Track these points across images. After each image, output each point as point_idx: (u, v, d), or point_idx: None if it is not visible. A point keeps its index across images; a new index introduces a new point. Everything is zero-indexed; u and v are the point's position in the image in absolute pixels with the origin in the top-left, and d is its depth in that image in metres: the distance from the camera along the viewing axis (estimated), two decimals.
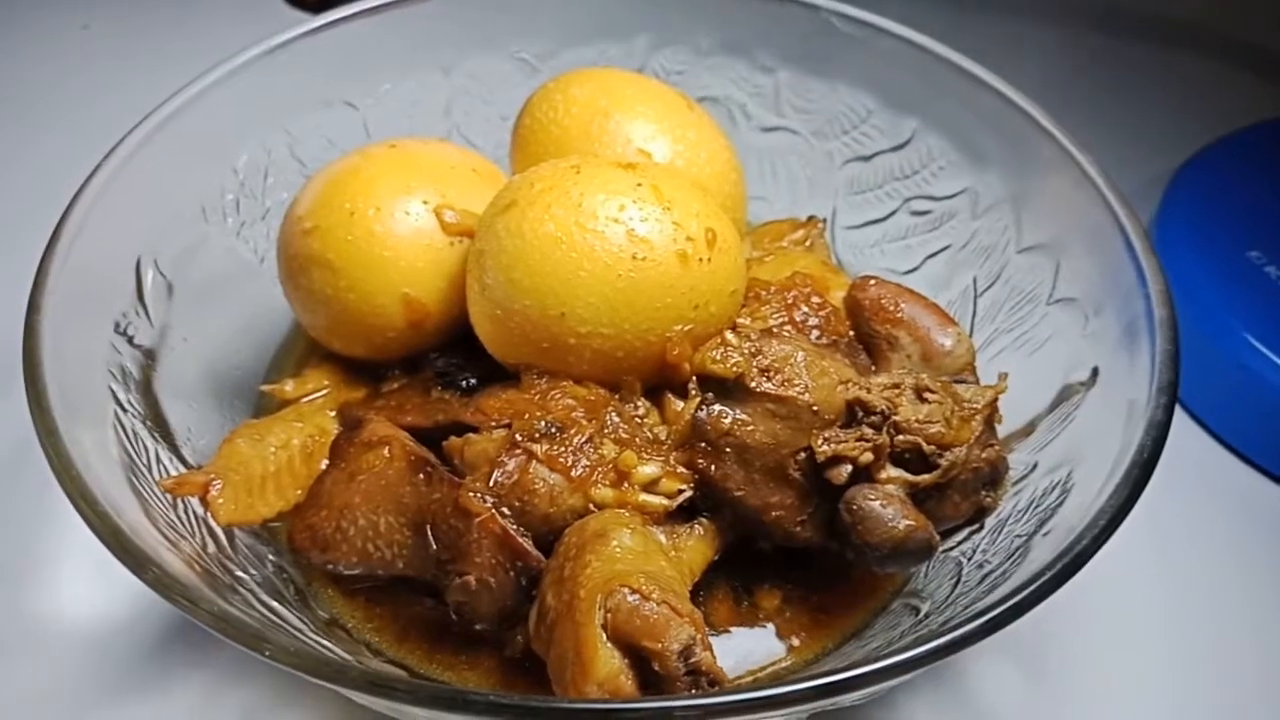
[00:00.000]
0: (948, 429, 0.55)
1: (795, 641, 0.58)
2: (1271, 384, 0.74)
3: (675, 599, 0.46)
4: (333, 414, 0.65)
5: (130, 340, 0.58)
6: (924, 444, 0.55)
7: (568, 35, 0.79)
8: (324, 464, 0.62)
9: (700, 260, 0.58)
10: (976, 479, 0.57)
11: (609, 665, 0.44)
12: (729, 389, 0.56)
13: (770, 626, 0.58)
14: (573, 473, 0.55)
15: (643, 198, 0.58)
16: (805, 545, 0.58)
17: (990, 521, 0.58)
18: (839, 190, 0.78)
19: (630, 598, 0.46)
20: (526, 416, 0.57)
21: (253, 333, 0.69)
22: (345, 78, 0.74)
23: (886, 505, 0.54)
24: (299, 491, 0.61)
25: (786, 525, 0.56)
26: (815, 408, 0.56)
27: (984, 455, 0.57)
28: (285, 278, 0.66)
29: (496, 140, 0.80)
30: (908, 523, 0.54)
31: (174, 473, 0.56)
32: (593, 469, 0.55)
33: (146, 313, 0.60)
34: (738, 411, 0.56)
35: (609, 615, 0.46)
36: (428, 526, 0.55)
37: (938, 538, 0.55)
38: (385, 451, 0.57)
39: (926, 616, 0.53)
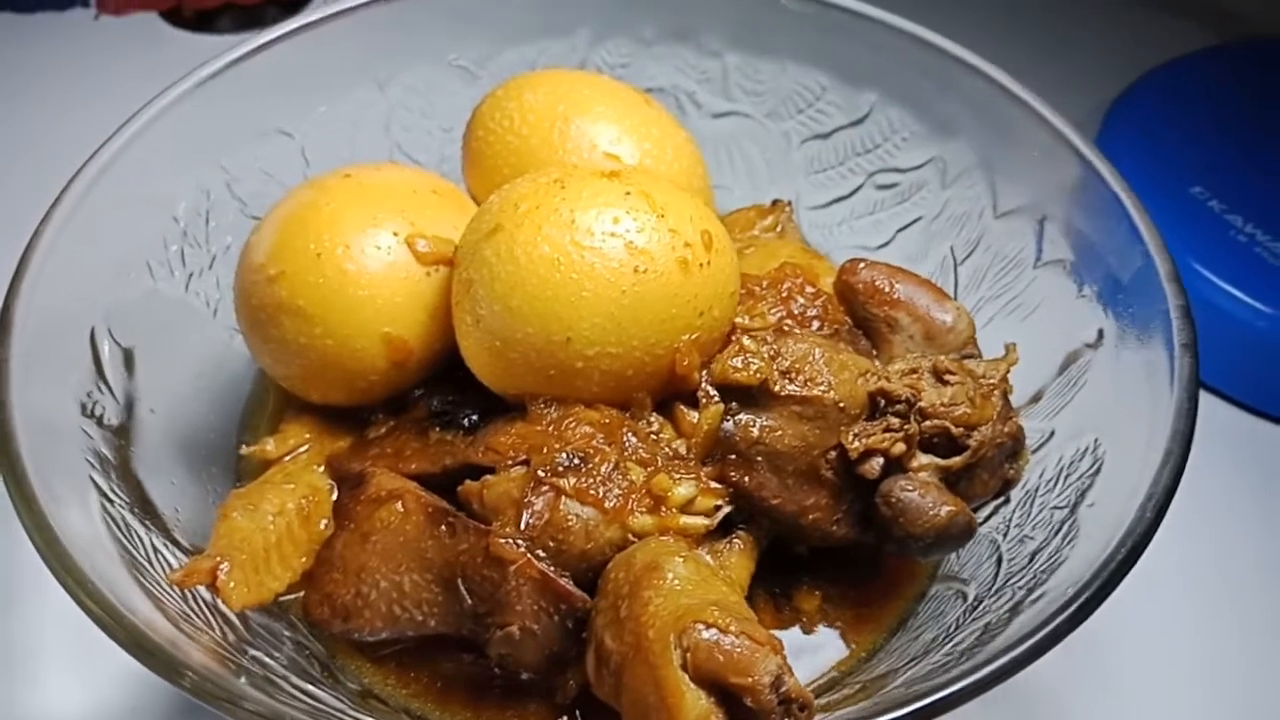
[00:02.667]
0: (973, 409, 0.55)
1: (844, 641, 0.57)
2: (1234, 317, 0.77)
3: (751, 627, 0.44)
4: (320, 469, 0.61)
5: (99, 421, 0.53)
6: (951, 427, 0.55)
7: (504, 36, 0.75)
8: (323, 524, 0.59)
9: (701, 265, 0.56)
10: (1000, 454, 0.57)
11: (697, 707, 0.42)
12: (753, 396, 0.54)
13: (817, 629, 0.57)
14: (606, 504, 0.52)
15: (635, 207, 0.55)
16: (841, 543, 0.57)
17: (1015, 494, 0.58)
18: (799, 171, 0.76)
19: (706, 634, 0.44)
20: (545, 450, 0.54)
21: (216, 391, 0.64)
22: (277, 105, 0.69)
23: (925, 494, 0.54)
24: (304, 559, 0.57)
25: (824, 526, 0.55)
26: (841, 404, 0.55)
27: (1005, 429, 0.57)
28: (250, 329, 0.61)
29: (440, 155, 0.76)
30: (948, 508, 0.53)
31: (172, 561, 0.51)
32: (626, 497, 0.53)
33: (109, 388, 0.55)
34: (764, 418, 0.54)
35: (687, 655, 0.44)
36: (458, 580, 0.52)
37: (976, 519, 0.55)
38: (398, 506, 0.54)
39: (979, 602, 0.53)
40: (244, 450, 0.61)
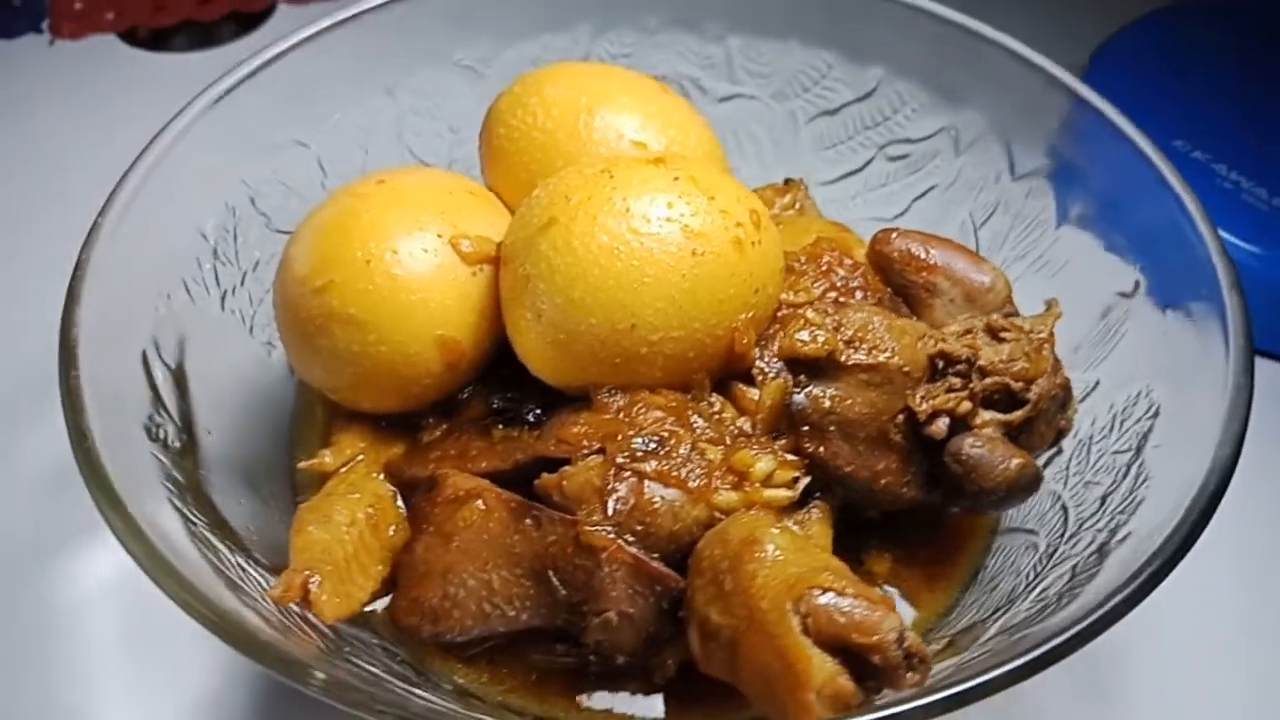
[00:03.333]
0: (1029, 363, 0.57)
1: (918, 600, 0.59)
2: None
3: (864, 588, 0.45)
4: (379, 476, 0.61)
5: (165, 445, 0.52)
6: (1011, 382, 0.56)
7: (507, 34, 0.75)
8: (391, 530, 0.59)
9: (753, 244, 0.57)
10: (1054, 405, 0.59)
11: (824, 670, 0.43)
12: (820, 368, 0.55)
13: (892, 590, 0.59)
14: (690, 484, 0.53)
15: (686, 191, 0.56)
16: (910, 505, 0.58)
17: (1067, 444, 0.60)
18: (808, 148, 0.78)
19: (823, 598, 0.45)
20: (619, 437, 0.54)
21: (261, 407, 0.63)
22: (291, 116, 0.68)
23: (993, 449, 0.55)
24: (380, 567, 0.57)
25: (895, 489, 0.57)
26: (905, 369, 0.56)
27: (1057, 381, 0.59)
28: (297, 342, 0.60)
29: (450, 157, 0.76)
30: (1017, 461, 0.55)
31: (258, 578, 0.51)
32: (708, 476, 0.53)
33: (167, 411, 0.54)
34: (833, 388, 0.55)
35: (807, 620, 0.44)
36: (549, 572, 0.52)
37: (1041, 469, 0.56)
38: (479, 504, 0.54)
39: (1054, 549, 0.54)
40: (302, 465, 0.60)
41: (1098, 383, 0.60)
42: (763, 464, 0.53)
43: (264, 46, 0.65)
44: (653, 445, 0.54)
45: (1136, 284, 0.60)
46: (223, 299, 0.62)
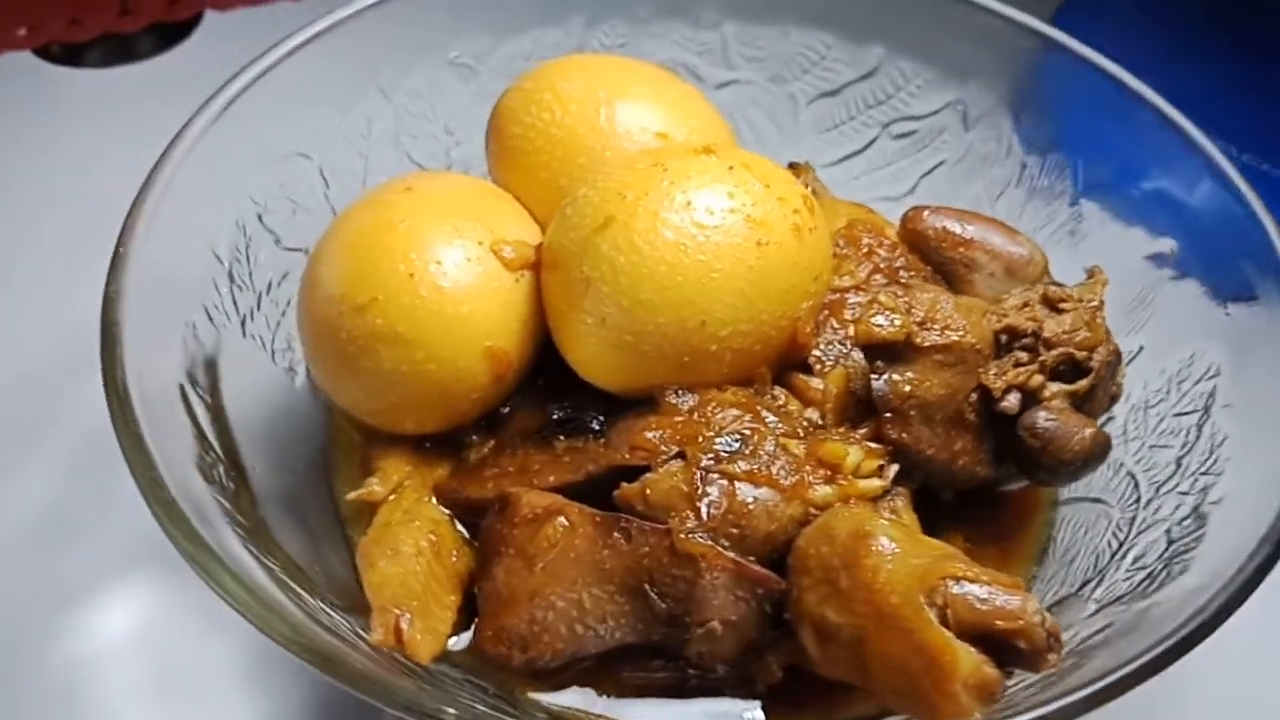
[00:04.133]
0: (1090, 332, 0.57)
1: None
2: None
3: (994, 574, 0.45)
4: (430, 500, 0.58)
5: (222, 487, 0.48)
6: (1075, 352, 0.56)
7: (499, 29, 0.72)
8: (454, 556, 0.56)
9: (810, 230, 0.56)
10: (1109, 371, 0.59)
11: (970, 659, 0.42)
12: (897, 351, 0.54)
13: None
14: (782, 482, 0.51)
15: (743, 181, 0.54)
16: (983, 483, 0.58)
17: (1120, 409, 0.60)
18: (809, 131, 0.77)
19: (958, 588, 0.44)
20: (699, 439, 0.53)
21: (293, 437, 0.59)
22: (291, 127, 0.63)
23: (1066, 421, 0.55)
24: (453, 597, 0.54)
25: (972, 468, 0.56)
26: (977, 346, 0.55)
27: (1111, 347, 0.59)
28: (333, 366, 0.57)
29: (447, 160, 0.73)
30: (1090, 431, 0.55)
31: (342, 621, 0.47)
32: (797, 472, 0.52)
33: (216, 451, 0.50)
34: (911, 371, 0.54)
35: (946, 611, 0.43)
36: (645, 586, 0.50)
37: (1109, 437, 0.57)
38: (561, 521, 0.51)
39: (1133, 516, 0.55)
40: (350, 496, 0.56)
41: (1141, 348, 0.61)
42: (853, 455, 0.52)
43: (258, 56, 0.61)
44: (737, 445, 0.52)
45: (1172, 249, 0.61)
46: (243, 324, 0.58)
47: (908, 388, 0.54)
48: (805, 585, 0.49)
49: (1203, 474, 0.52)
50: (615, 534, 0.51)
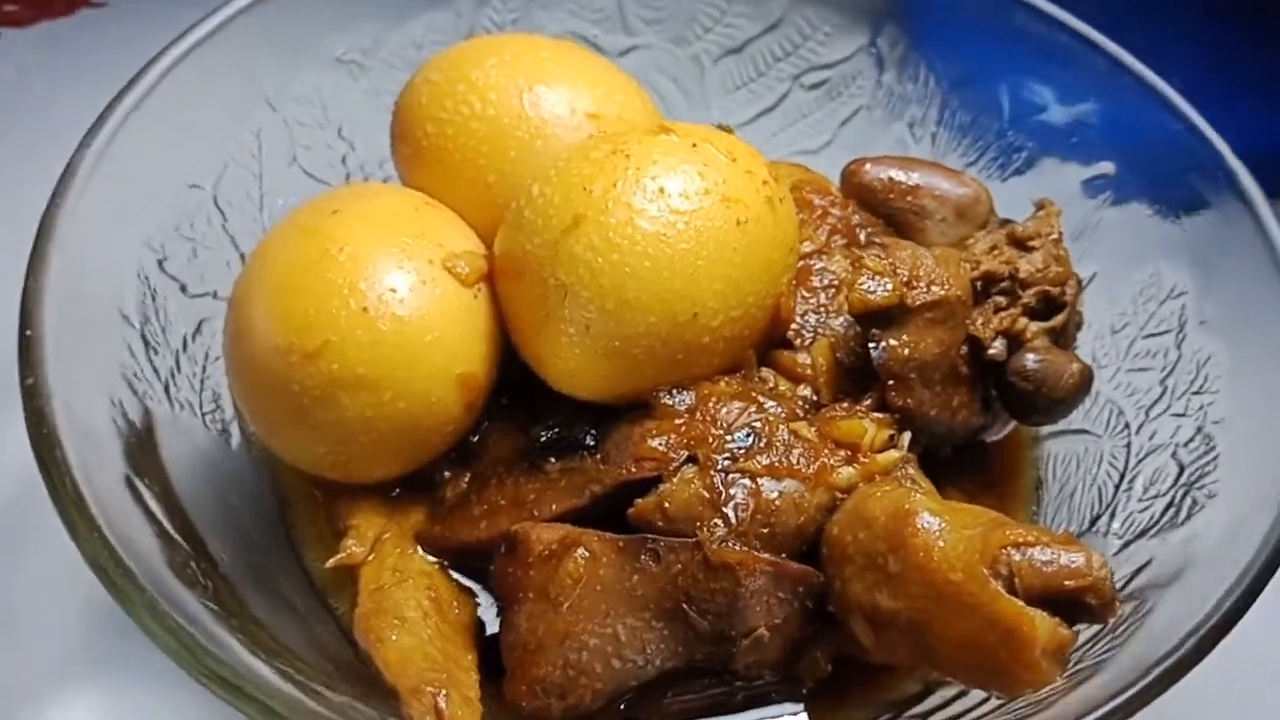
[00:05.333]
0: (1060, 266, 0.57)
1: None
2: None
3: (1049, 533, 0.44)
4: (416, 552, 0.53)
5: (205, 589, 0.42)
6: (1050, 289, 0.56)
7: (383, 18, 0.66)
8: (455, 608, 0.51)
9: (781, 200, 0.53)
10: (1076, 301, 0.60)
11: (1045, 624, 0.41)
12: (890, 316, 0.53)
13: None
14: (804, 471, 0.49)
15: (710, 158, 0.51)
16: (979, 433, 0.57)
17: (1084, 338, 0.61)
18: (717, 91, 0.74)
19: (1020, 554, 0.42)
20: (710, 440, 0.50)
21: (246, 509, 0.53)
22: (175, 157, 0.56)
23: (1053, 360, 0.55)
24: (470, 655, 0.50)
25: (970, 421, 0.55)
26: (962, 298, 0.54)
27: (1077, 278, 0.59)
28: (284, 424, 0.51)
29: (344, 170, 0.66)
30: (1076, 365, 0.55)
31: (370, 713, 0.42)
32: (815, 457, 0.50)
33: (184, 547, 0.44)
34: (906, 335, 0.53)
35: (1014, 580, 0.42)
36: (683, 606, 0.47)
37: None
38: (580, 554, 0.47)
39: (1128, 445, 0.55)
40: (330, 563, 0.50)
41: (1095, 275, 0.61)
42: (870, 431, 0.51)
43: (129, 84, 0.53)
44: (751, 440, 0.49)
45: (1108, 171, 0.62)
46: (166, 391, 0.51)
47: (906, 351, 0.52)
48: (848, 575, 0.47)
49: (1194, 394, 0.53)
50: (643, 557, 0.47)
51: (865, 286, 0.52)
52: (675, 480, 0.49)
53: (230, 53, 0.58)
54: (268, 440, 0.52)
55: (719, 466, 0.49)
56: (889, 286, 0.52)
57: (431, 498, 0.55)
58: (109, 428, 0.44)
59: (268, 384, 0.50)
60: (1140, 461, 0.54)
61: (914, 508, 0.46)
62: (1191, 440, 0.51)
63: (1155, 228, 0.59)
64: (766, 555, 0.47)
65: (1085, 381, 0.56)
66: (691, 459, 0.49)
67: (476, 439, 0.56)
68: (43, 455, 0.38)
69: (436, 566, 0.53)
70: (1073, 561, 0.42)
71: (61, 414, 0.40)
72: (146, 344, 0.51)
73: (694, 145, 0.51)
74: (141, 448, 0.46)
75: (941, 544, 0.45)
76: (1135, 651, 0.42)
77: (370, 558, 0.52)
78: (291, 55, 0.62)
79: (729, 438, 0.50)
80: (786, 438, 0.50)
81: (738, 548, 0.47)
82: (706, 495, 0.48)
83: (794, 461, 0.49)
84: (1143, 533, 0.50)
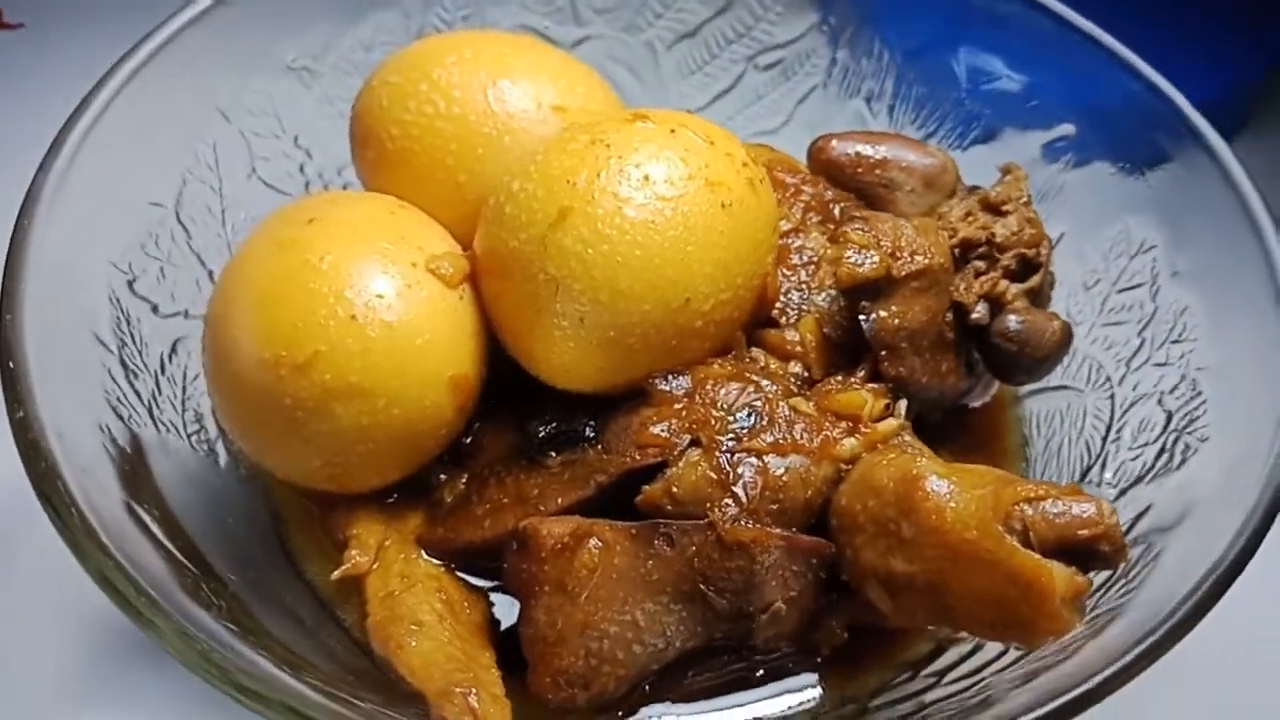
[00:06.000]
0: (1034, 228, 0.58)
1: None
2: None
3: (1053, 486, 0.44)
4: (420, 556, 0.52)
5: (222, 610, 0.41)
6: (1026, 251, 0.57)
7: (332, 21, 0.64)
8: (466, 608, 0.51)
9: (760, 181, 0.53)
10: (1049, 261, 0.61)
11: (1063, 574, 0.42)
12: (878, 288, 0.53)
13: None
14: (809, 445, 0.49)
15: (690, 143, 0.51)
16: (965, 396, 0.58)
17: (1056, 295, 0.62)
18: (673, 77, 0.74)
19: (1032, 509, 0.43)
20: (711, 422, 0.50)
21: (244, 527, 0.52)
22: (135, 176, 0.54)
23: (1034, 320, 0.56)
24: (488, 653, 0.49)
25: (958, 385, 0.56)
26: (944, 265, 0.55)
27: (1047, 239, 0.60)
28: (275, 438, 0.49)
29: (304, 178, 0.65)
30: (1057, 323, 0.56)
31: None
32: (817, 430, 0.50)
33: (193, 571, 0.42)
34: (894, 305, 0.53)
35: (1028, 534, 0.43)
36: (700, 586, 0.47)
37: None
38: (593, 545, 0.47)
39: (1111, 396, 0.56)
40: (335, 575, 0.49)
41: (1063, 234, 0.62)
42: (868, 401, 0.51)
43: (87, 97, 0.51)
44: (753, 419, 0.50)
45: (1069, 133, 0.63)
46: (151, 415, 0.50)
47: (896, 321, 0.53)
48: (860, 543, 0.48)
49: (1173, 343, 0.54)
50: (656, 542, 0.47)
51: (852, 260, 0.53)
52: (681, 464, 0.49)
53: (180, 67, 0.56)
54: (260, 458, 0.51)
55: (724, 447, 0.49)
56: (875, 259, 0.53)
57: (429, 501, 0.54)
58: (101, 455, 0.43)
59: (257, 400, 0.48)
60: (1126, 412, 0.55)
61: (921, 472, 0.47)
62: (1176, 388, 0.52)
63: (1119, 185, 0.61)
64: (778, 530, 0.48)
65: (1066, 338, 0.57)
66: (695, 442, 0.49)
67: (469, 439, 0.55)
68: (45, 490, 0.37)
69: (443, 569, 0.52)
70: (1084, 511, 0.43)
71: (57, 446, 0.39)
72: (125, 367, 0.49)
73: (672, 131, 0.51)
74: (136, 473, 0.45)
75: (953, 505, 0.45)
76: (1151, 595, 0.43)
77: (374, 566, 0.51)
78: (242, 65, 0.60)
79: (731, 418, 0.50)
80: (787, 414, 0.50)
81: (749, 525, 0.48)
82: (714, 476, 0.48)
83: (797, 437, 0.50)
84: (1138, 479, 0.51)
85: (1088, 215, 0.62)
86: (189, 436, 0.52)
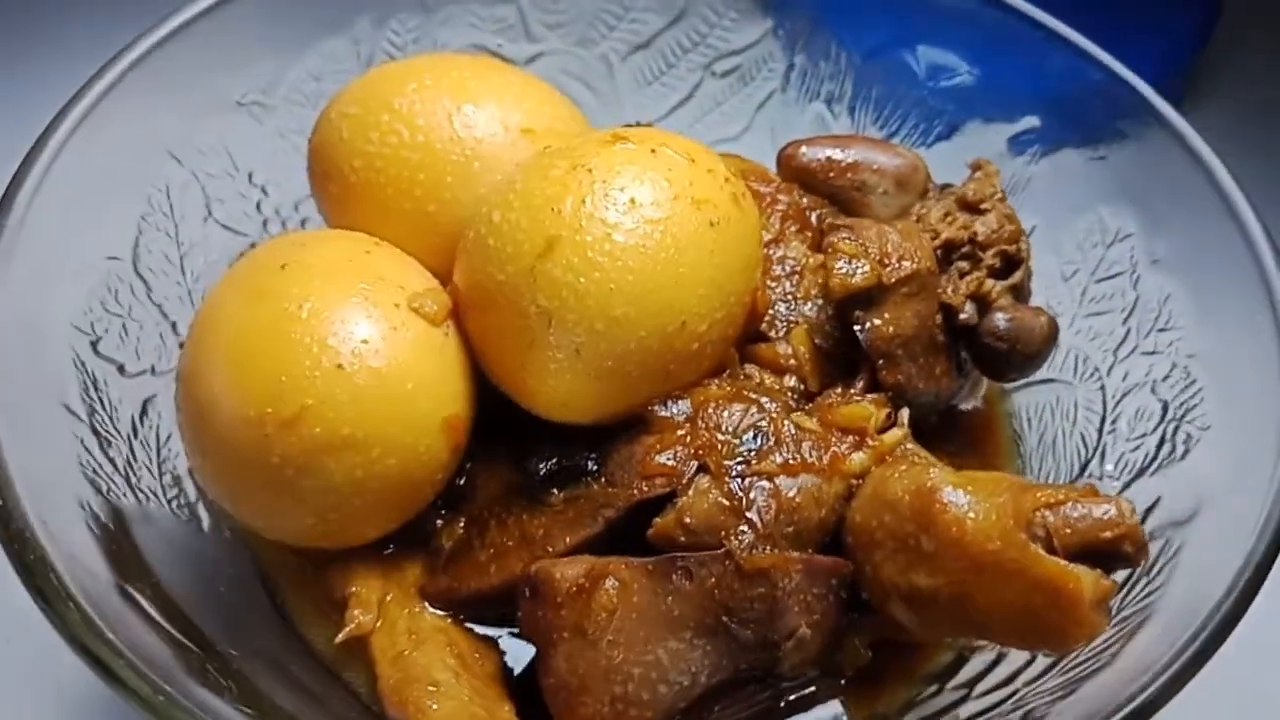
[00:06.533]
0: (1012, 224, 0.58)
1: None
2: None
3: (1071, 490, 0.44)
4: (423, 609, 0.50)
5: (231, 690, 0.38)
6: (1007, 247, 0.57)
7: (279, 51, 0.61)
8: (478, 659, 0.49)
9: (743, 195, 0.52)
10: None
11: (1089, 577, 0.42)
12: (870, 296, 0.52)
13: None
14: (819, 463, 0.48)
15: (672, 163, 0.50)
16: (956, 394, 0.58)
17: (1035, 287, 0.62)
18: (629, 89, 0.72)
19: (1052, 515, 0.43)
20: (718, 447, 0.48)
21: (238, 595, 0.49)
22: (89, 229, 0.51)
23: (1022, 316, 0.56)
24: (507, 706, 0.47)
25: (950, 387, 0.56)
26: (930, 268, 0.55)
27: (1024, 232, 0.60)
28: (266, 499, 0.47)
29: (261, 217, 0.62)
30: (1043, 318, 0.56)
31: None
32: (825, 447, 0.49)
33: (195, 649, 0.40)
34: (887, 312, 0.53)
35: (1053, 540, 0.43)
36: (723, 619, 0.46)
37: None
38: (609, 585, 0.46)
39: (1102, 387, 0.57)
40: (339, 639, 0.47)
41: (1034, 227, 0.62)
42: (874, 413, 0.50)
43: (31, 152, 0.48)
44: (759, 441, 0.49)
45: (1033, 126, 0.63)
46: (129, 483, 0.47)
47: (890, 329, 0.53)
48: (878, 560, 0.47)
49: (1160, 330, 0.54)
50: (674, 577, 0.46)
51: (843, 270, 0.52)
52: (691, 493, 0.48)
53: (126, 112, 0.53)
54: (248, 521, 0.49)
55: (733, 472, 0.48)
56: (866, 268, 0.52)
57: (427, 549, 0.52)
58: (86, 536, 0.40)
59: (242, 461, 0.46)
60: (1119, 402, 0.55)
61: (936, 484, 0.47)
62: (1169, 376, 0.53)
63: (1089, 174, 0.61)
64: (796, 554, 0.47)
65: (1054, 332, 0.57)
66: (703, 468, 0.48)
67: (462, 481, 0.53)
68: (39, 585, 0.34)
69: (449, 620, 0.50)
70: (1105, 513, 0.43)
71: (43, 533, 0.36)
72: (98, 435, 0.46)
73: (653, 150, 0.50)
74: (122, 551, 0.42)
75: (973, 516, 0.45)
76: (1179, 593, 0.43)
77: (378, 624, 0.49)
78: (190, 105, 0.57)
79: (737, 441, 0.49)
80: (793, 432, 0.49)
81: (766, 551, 0.47)
82: (726, 503, 0.47)
83: (806, 455, 0.49)
84: (1141, 471, 0.51)
85: (1059, 206, 0.62)
86: (169, 502, 0.49)
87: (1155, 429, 0.52)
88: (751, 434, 0.49)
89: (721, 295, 0.50)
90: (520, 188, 0.49)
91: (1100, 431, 0.55)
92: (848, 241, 0.53)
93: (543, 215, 0.48)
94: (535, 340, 0.48)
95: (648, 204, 0.48)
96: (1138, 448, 0.52)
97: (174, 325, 0.54)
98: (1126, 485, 0.51)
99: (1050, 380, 0.60)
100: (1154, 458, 0.51)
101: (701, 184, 0.50)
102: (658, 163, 0.49)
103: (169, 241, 0.56)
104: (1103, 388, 0.57)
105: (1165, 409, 0.52)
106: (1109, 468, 0.53)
